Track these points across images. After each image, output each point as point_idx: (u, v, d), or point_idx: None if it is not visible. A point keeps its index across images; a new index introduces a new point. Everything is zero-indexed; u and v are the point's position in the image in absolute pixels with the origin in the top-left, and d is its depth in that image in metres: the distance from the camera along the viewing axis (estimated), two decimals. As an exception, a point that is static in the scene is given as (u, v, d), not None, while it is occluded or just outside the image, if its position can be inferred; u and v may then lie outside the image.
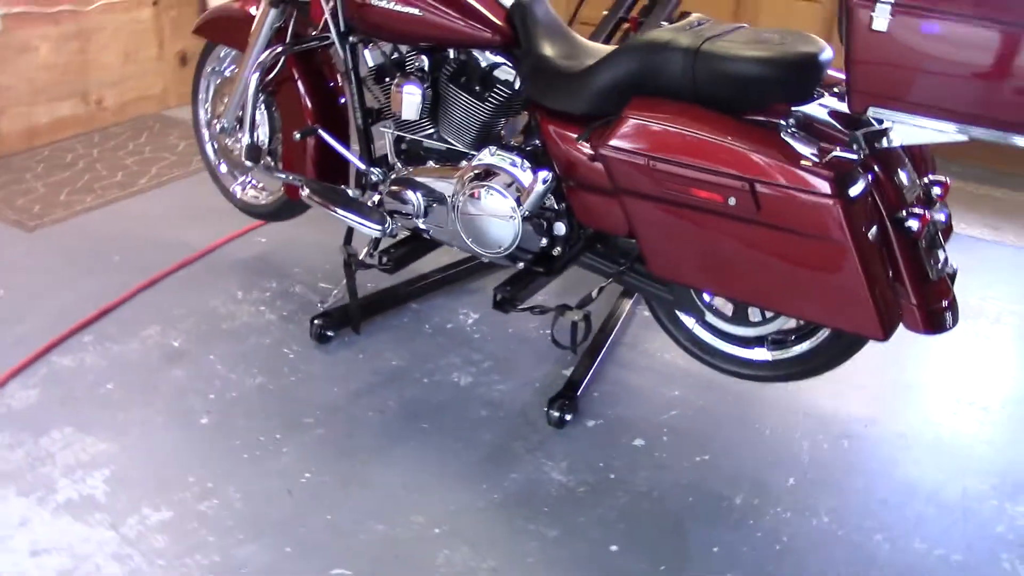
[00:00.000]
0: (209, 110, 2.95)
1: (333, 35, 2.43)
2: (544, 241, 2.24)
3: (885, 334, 1.84)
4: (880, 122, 1.81)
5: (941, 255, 1.95)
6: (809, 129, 1.86)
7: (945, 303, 1.93)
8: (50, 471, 2.09)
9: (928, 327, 1.92)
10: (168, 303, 2.74)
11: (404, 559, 1.91)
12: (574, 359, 2.50)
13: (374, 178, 2.48)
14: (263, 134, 2.69)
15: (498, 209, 2.19)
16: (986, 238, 3.37)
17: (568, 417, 2.31)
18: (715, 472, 2.19)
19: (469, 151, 2.33)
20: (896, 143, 1.83)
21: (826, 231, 1.76)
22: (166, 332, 2.61)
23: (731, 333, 2.23)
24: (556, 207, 2.22)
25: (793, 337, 2.17)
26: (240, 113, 2.68)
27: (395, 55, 2.41)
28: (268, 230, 3.15)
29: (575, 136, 2.09)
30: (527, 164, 2.20)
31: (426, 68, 2.33)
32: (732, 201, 1.83)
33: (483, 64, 2.29)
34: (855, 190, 1.76)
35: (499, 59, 2.28)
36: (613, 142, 1.94)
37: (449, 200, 2.30)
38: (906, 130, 1.77)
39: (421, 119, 2.35)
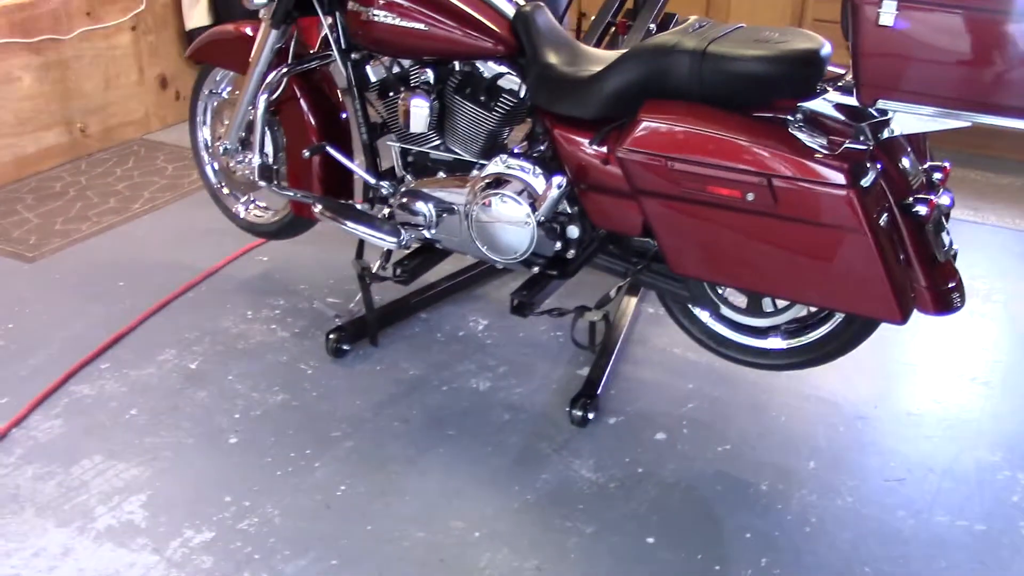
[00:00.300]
0: (208, 132, 2.97)
1: (335, 53, 2.46)
2: (558, 245, 2.29)
3: (903, 317, 1.90)
4: (883, 113, 1.88)
5: (946, 238, 2.02)
6: (816, 123, 1.93)
7: (953, 284, 2.00)
8: (86, 499, 2.10)
9: (939, 308, 1.99)
10: (179, 326, 2.75)
11: (449, 563, 1.94)
12: (587, 359, 2.56)
13: (383, 192, 2.52)
14: (269, 153, 2.71)
15: (513, 216, 2.23)
16: (968, 219, 3.48)
17: (591, 416, 2.36)
18: (738, 460, 2.25)
19: (477, 160, 2.38)
20: (899, 132, 1.90)
21: (843, 220, 1.83)
22: (182, 355, 2.62)
23: (745, 324, 2.29)
24: (569, 211, 2.26)
25: (807, 324, 2.24)
26: (243, 134, 2.71)
27: (397, 69, 2.44)
28: (269, 249, 3.17)
29: (587, 140, 2.14)
30: (539, 170, 2.24)
31: (431, 81, 2.37)
32: (750, 196, 1.89)
33: (488, 74, 2.33)
34: (867, 179, 1.83)
35: (503, 69, 2.32)
36: (630, 145, 1.99)
37: (461, 209, 2.33)
38: (910, 119, 1.84)
39: (428, 131, 2.39)
